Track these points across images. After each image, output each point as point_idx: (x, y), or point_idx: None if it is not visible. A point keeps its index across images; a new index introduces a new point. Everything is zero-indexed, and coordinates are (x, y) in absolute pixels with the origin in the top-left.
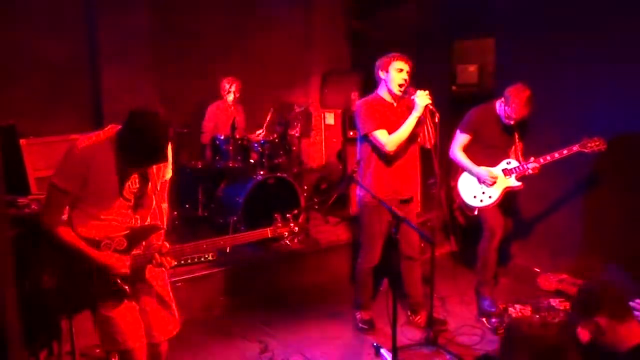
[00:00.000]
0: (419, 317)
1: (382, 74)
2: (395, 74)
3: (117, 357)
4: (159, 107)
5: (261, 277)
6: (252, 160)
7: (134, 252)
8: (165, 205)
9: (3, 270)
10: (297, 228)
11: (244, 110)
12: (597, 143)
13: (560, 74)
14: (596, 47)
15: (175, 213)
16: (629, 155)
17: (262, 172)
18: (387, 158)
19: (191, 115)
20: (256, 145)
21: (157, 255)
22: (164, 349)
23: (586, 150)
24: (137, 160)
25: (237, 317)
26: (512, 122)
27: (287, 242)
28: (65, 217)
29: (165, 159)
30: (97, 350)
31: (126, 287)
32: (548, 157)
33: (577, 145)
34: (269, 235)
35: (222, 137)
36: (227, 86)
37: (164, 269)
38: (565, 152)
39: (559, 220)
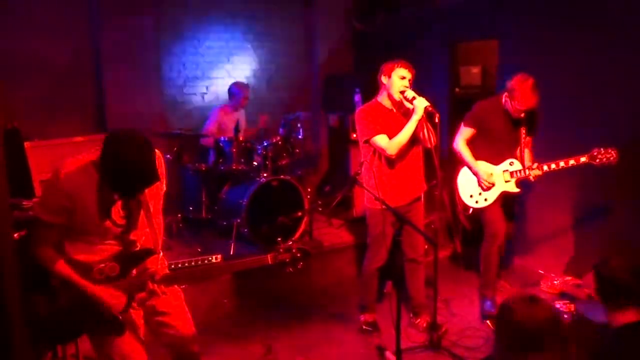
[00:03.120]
0: (419, 319)
1: (384, 79)
2: (398, 80)
3: None
4: (137, 131)
5: (265, 279)
6: (255, 163)
7: (126, 279)
8: (160, 218)
9: (8, 272)
10: (299, 254)
11: (246, 113)
12: (608, 155)
13: (564, 75)
14: (601, 49)
15: (179, 215)
16: (637, 156)
17: (265, 175)
18: (389, 161)
19: (193, 117)
20: (259, 147)
21: (149, 282)
22: (195, 349)
23: (595, 163)
24: (119, 189)
25: (241, 319)
26: (522, 115)
27: (290, 269)
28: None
29: (152, 182)
30: None
31: (122, 322)
32: (553, 165)
33: (586, 156)
34: (270, 262)
35: (226, 140)
36: (239, 93)
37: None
38: (572, 162)
39: (563, 222)
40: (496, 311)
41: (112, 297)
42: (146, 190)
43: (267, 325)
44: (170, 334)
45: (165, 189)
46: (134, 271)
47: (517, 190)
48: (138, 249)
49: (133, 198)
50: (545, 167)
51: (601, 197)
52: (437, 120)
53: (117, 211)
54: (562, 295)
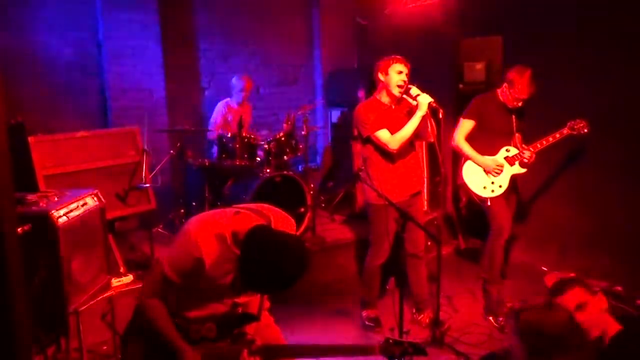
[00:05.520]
0: (422, 315)
1: (381, 76)
2: (395, 75)
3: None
4: (299, 241)
5: None
6: (258, 159)
7: (223, 342)
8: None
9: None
10: (411, 349)
11: (250, 109)
12: (581, 125)
13: (568, 72)
14: (606, 45)
15: (182, 211)
16: (637, 152)
17: (268, 170)
18: (390, 157)
19: (196, 113)
20: (263, 143)
21: (245, 353)
22: None
23: (574, 133)
24: (254, 288)
25: None
26: (519, 104)
27: None
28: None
29: None
30: (104, 347)
31: None
32: (540, 144)
33: (566, 129)
34: (376, 352)
35: (229, 135)
36: (240, 84)
37: None
38: (557, 135)
39: (566, 218)
40: (502, 309)
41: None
42: None
43: None
44: None
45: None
46: (233, 337)
47: (523, 170)
48: (240, 312)
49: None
50: (533, 147)
51: (604, 193)
52: (440, 116)
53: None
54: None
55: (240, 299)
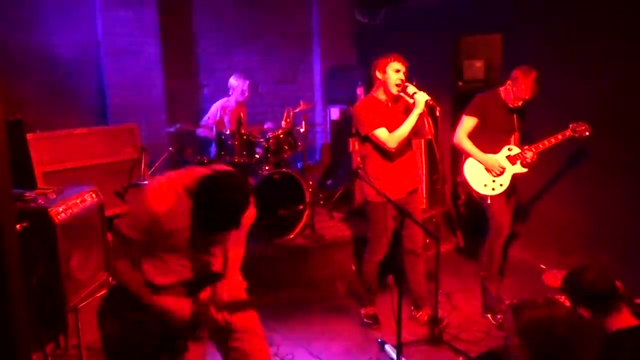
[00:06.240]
0: (421, 313)
1: (379, 74)
2: (393, 74)
3: None
4: (239, 176)
5: (266, 272)
6: (257, 156)
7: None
8: (242, 249)
9: (10, 264)
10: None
11: (247, 106)
12: (583, 128)
13: (568, 70)
14: (606, 43)
15: None
16: (636, 151)
17: (267, 168)
18: (388, 155)
19: (194, 110)
20: (261, 140)
21: (213, 309)
22: None
23: (576, 135)
24: (210, 229)
25: None
26: (520, 104)
27: None
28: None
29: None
30: None
31: (183, 342)
32: (542, 144)
33: (569, 131)
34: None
35: (228, 133)
36: (243, 86)
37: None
38: (559, 137)
39: (565, 216)
40: (500, 306)
41: (176, 303)
42: None
43: (268, 318)
44: None
45: (252, 220)
46: (202, 295)
47: (524, 170)
48: (208, 272)
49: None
50: (535, 148)
51: (603, 192)
52: (438, 113)
53: (202, 241)
54: (564, 291)
55: (204, 258)
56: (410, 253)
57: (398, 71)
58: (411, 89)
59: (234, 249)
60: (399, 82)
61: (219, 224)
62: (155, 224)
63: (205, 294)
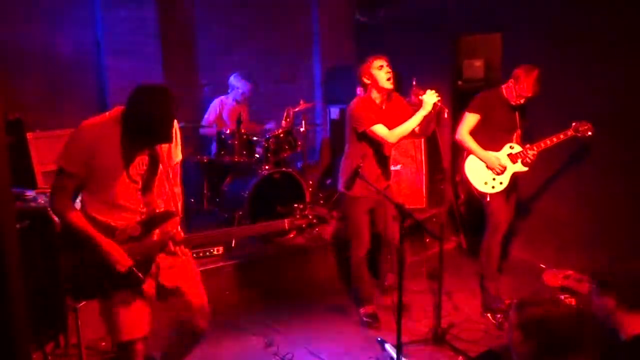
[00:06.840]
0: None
1: (366, 80)
2: (379, 72)
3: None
4: (164, 86)
5: (266, 272)
6: (257, 155)
7: (148, 239)
8: (178, 190)
9: (10, 264)
10: (315, 220)
11: (248, 105)
12: (586, 127)
13: (568, 70)
14: (606, 43)
15: None
16: (637, 151)
17: (267, 167)
18: (379, 153)
19: (194, 109)
20: (261, 140)
21: (171, 243)
22: (203, 325)
23: (578, 135)
24: (137, 137)
25: (242, 311)
26: (522, 101)
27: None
28: (78, 200)
29: (169, 139)
30: (103, 344)
31: (140, 275)
32: (544, 143)
33: (571, 130)
34: (286, 227)
35: (228, 132)
36: (244, 87)
37: (177, 257)
38: (561, 136)
39: (565, 216)
40: (500, 306)
41: (119, 252)
42: (162, 153)
43: (268, 317)
44: (181, 302)
45: (181, 157)
46: (156, 232)
47: (525, 169)
48: (159, 211)
49: (151, 144)
50: (537, 147)
51: (603, 191)
52: (445, 115)
53: (135, 167)
54: (563, 290)
55: (149, 197)
56: (387, 244)
57: (382, 67)
58: (427, 92)
59: (176, 189)
60: (388, 76)
61: (144, 132)
62: (90, 150)
63: (155, 236)
